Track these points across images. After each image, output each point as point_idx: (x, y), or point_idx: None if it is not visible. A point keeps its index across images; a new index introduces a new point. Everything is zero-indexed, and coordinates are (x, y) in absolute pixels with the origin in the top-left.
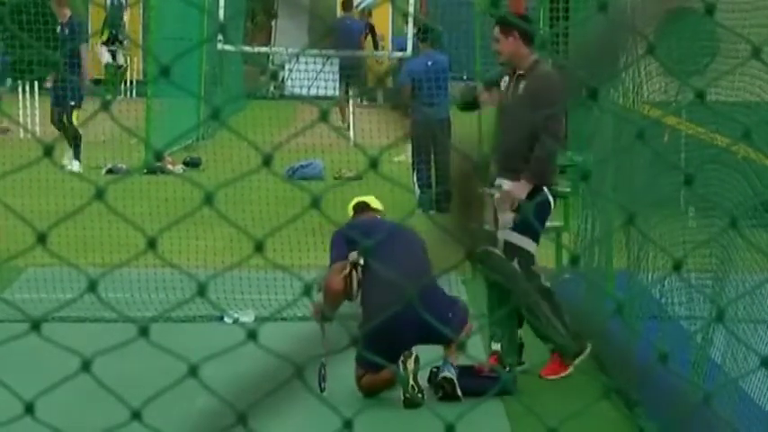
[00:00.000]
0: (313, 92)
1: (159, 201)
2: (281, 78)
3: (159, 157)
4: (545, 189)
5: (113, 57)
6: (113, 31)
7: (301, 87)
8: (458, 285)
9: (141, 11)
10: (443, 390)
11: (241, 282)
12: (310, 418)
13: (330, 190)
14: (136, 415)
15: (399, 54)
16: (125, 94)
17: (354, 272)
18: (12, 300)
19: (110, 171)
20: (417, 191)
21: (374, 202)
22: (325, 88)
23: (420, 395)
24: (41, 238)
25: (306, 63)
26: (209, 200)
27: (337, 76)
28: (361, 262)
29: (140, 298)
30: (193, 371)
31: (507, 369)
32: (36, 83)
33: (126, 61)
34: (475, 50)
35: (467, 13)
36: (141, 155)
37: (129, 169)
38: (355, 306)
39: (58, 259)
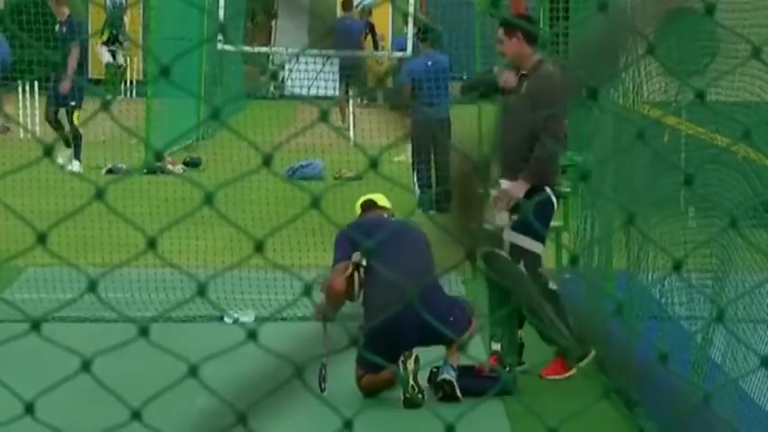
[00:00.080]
0: (313, 92)
1: (159, 201)
2: (281, 78)
3: (159, 157)
4: (547, 189)
5: (113, 56)
6: (113, 32)
7: (301, 87)
8: (458, 285)
9: (141, 11)
10: (443, 391)
11: (241, 282)
12: (310, 418)
13: (330, 190)
14: (136, 415)
15: (399, 54)
16: (125, 94)
17: (357, 273)
18: (12, 300)
19: (110, 171)
20: (417, 191)
21: (381, 200)
22: (325, 88)
23: (420, 395)
24: (41, 238)
25: (306, 63)
26: (209, 200)
27: (337, 76)
28: (364, 263)
29: (140, 298)
30: (193, 371)
31: (507, 369)
32: (36, 83)
33: (126, 61)
34: (475, 50)
35: (467, 13)
36: (141, 155)
37: (129, 169)
38: (357, 306)
39: (58, 259)
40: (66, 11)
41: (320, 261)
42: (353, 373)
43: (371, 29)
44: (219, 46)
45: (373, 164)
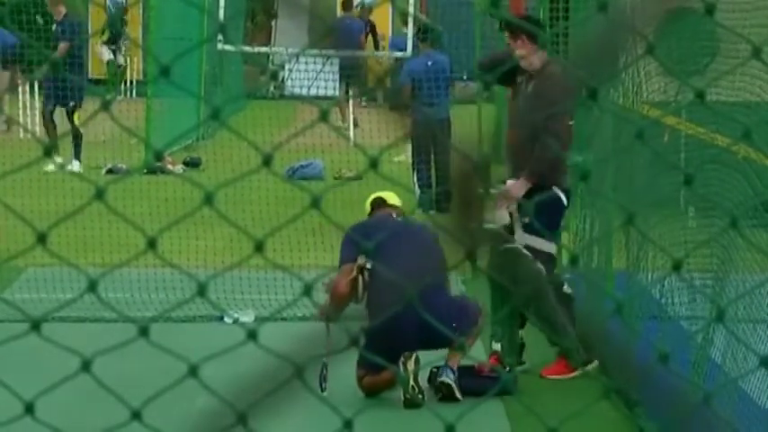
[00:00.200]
0: (313, 92)
1: (159, 201)
2: (281, 78)
3: (159, 157)
4: (554, 188)
5: (114, 55)
6: (113, 32)
7: (301, 87)
8: (458, 285)
9: (141, 11)
10: (442, 393)
11: (241, 282)
12: (310, 418)
13: (330, 190)
14: (136, 415)
15: (399, 54)
16: (125, 94)
17: (361, 276)
18: (12, 300)
19: (110, 171)
20: (417, 191)
21: (392, 198)
22: (325, 88)
23: (420, 396)
24: (41, 238)
25: (306, 63)
26: (209, 200)
27: (337, 76)
28: (369, 266)
29: (140, 298)
30: (193, 371)
31: (507, 369)
32: (36, 83)
33: (125, 61)
34: (475, 50)
35: (467, 13)
36: (141, 155)
37: (129, 169)
38: (361, 308)
39: (58, 259)
40: (63, 10)
41: (320, 261)
42: (354, 373)
43: (373, 29)
44: (219, 46)
45: (373, 164)
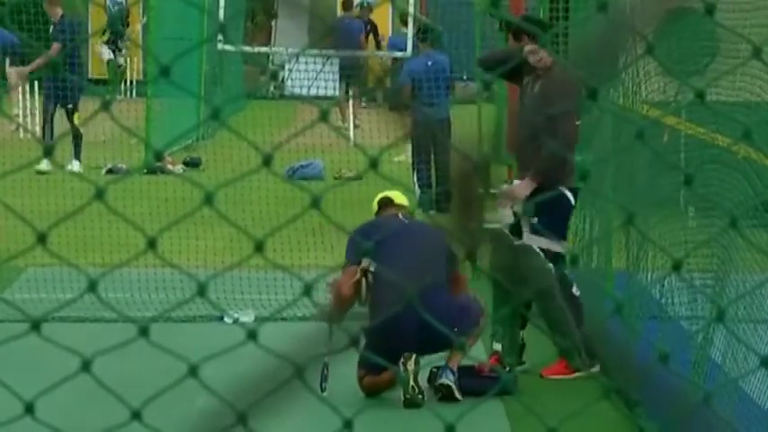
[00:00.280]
0: (313, 92)
1: (159, 201)
2: (281, 78)
3: (159, 157)
4: (562, 188)
5: (114, 54)
6: (114, 32)
7: (301, 87)
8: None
9: (141, 11)
10: (441, 394)
11: (241, 282)
12: (310, 418)
13: (330, 190)
14: (136, 415)
15: (399, 54)
16: (125, 95)
17: (365, 279)
18: (12, 300)
19: (110, 171)
20: (417, 191)
21: (399, 198)
22: (325, 88)
23: (420, 396)
24: (41, 238)
25: (306, 63)
26: (209, 200)
27: (337, 76)
28: (372, 269)
29: (140, 298)
30: (193, 371)
31: (507, 369)
32: (36, 83)
33: (125, 62)
34: (475, 50)
35: (467, 13)
36: (141, 155)
37: (129, 169)
38: (364, 310)
39: (58, 259)
40: (60, 11)
41: (320, 261)
42: (354, 373)
43: (374, 28)
44: (219, 46)
45: (373, 164)
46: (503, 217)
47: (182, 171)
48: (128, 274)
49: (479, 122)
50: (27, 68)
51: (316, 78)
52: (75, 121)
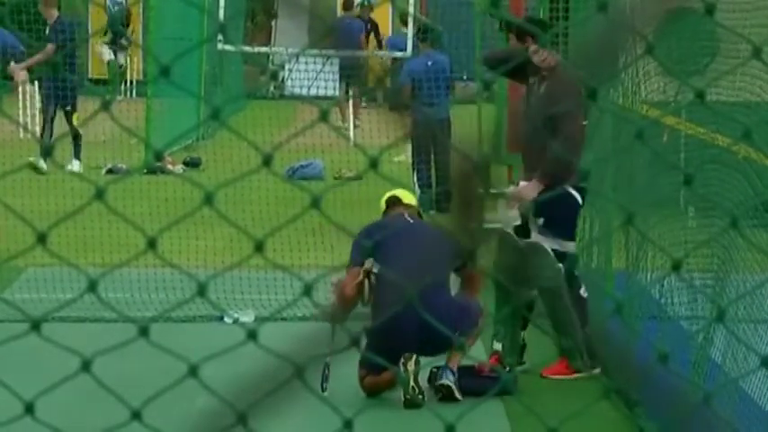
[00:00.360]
0: (313, 92)
1: (159, 201)
2: (281, 78)
3: (159, 157)
4: (568, 188)
5: (114, 55)
6: (115, 32)
7: (301, 87)
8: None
9: (141, 11)
10: (442, 394)
11: (241, 282)
12: (311, 417)
13: (330, 190)
14: (136, 415)
15: (399, 54)
16: (125, 95)
17: (367, 280)
18: (12, 300)
19: (110, 171)
20: (417, 191)
21: (406, 197)
22: (325, 88)
23: (420, 396)
24: (41, 238)
25: (306, 63)
26: (209, 200)
27: (337, 76)
28: (375, 270)
29: (140, 298)
30: (193, 371)
31: (507, 369)
32: (36, 83)
33: (126, 61)
34: (475, 50)
35: (467, 13)
36: (141, 155)
37: (129, 169)
38: (367, 311)
39: (58, 259)
40: (55, 13)
41: (320, 261)
42: (355, 373)
43: (375, 28)
44: (219, 46)
45: (373, 164)
46: (510, 219)
47: (182, 171)
48: (128, 274)
49: (479, 122)
50: (24, 64)
51: (316, 78)
52: (74, 122)
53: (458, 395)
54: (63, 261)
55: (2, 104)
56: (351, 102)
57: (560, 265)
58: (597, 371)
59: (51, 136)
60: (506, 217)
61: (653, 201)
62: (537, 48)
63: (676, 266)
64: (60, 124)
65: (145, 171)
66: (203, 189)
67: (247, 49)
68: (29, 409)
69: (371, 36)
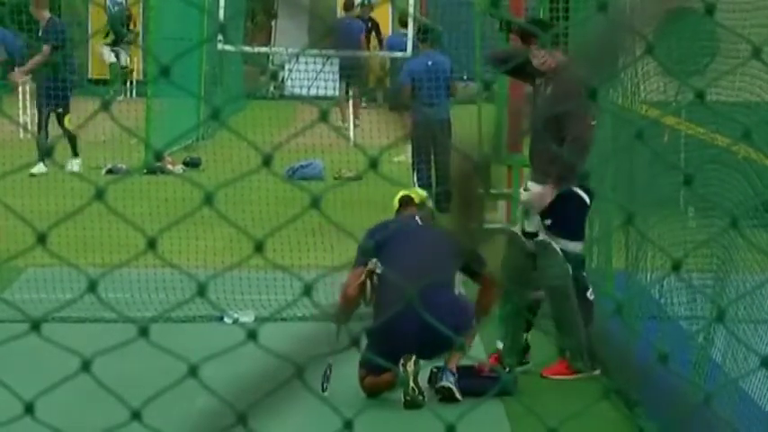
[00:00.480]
0: (313, 92)
1: (159, 201)
2: (281, 78)
3: (159, 157)
4: (576, 189)
5: (117, 57)
6: (116, 33)
7: (301, 87)
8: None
9: (141, 11)
10: (442, 395)
11: (241, 282)
12: (311, 417)
13: (330, 190)
14: (136, 415)
15: (399, 54)
16: (125, 95)
17: (370, 280)
18: (12, 300)
19: (110, 171)
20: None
21: (420, 197)
22: (325, 88)
23: (421, 396)
24: (41, 239)
25: (306, 63)
26: (209, 200)
27: (337, 77)
28: (378, 270)
29: (140, 298)
30: (193, 371)
31: (507, 369)
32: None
33: (128, 62)
34: (475, 50)
35: (467, 13)
36: (141, 155)
37: (129, 169)
38: (369, 311)
39: (58, 259)
40: (47, 14)
41: (320, 261)
42: (356, 373)
43: (376, 27)
44: (219, 46)
45: (373, 164)
46: (534, 226)
47: (182, 171)
48: (128, 275)
49: (479, 123)
50: (24, 68)
51: (316, 78)
52: (66, 125)
53: (458, 396)
54: (63, 261)
55: (2, 104)
56: (351, 102)
57: (568, 265)
58: (597, 372)
59: (47, 137)
60: (531, 223)
61: (653, 201)
62: (541, 51)
63: (676, 266)
64: (54, 126)
65: (145, 171)
66: (203, 189)
67: (247, 49)
68: (29, 409)
69: (372, 36)
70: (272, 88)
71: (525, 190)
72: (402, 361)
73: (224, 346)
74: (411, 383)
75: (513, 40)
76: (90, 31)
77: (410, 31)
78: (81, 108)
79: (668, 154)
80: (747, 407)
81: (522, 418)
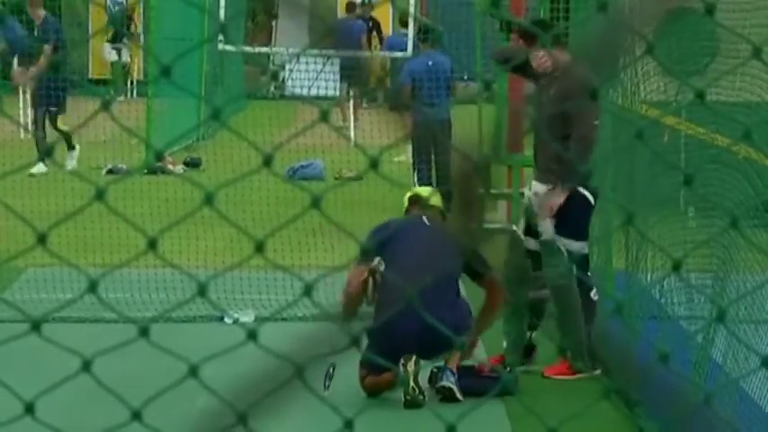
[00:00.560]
0: (313, 92)
1: (160, 201)
2: (281, 78)
3: (159, 157)
4: (581, 189)
5: (119, 55)
6: (118, 32)
7: (302, 87)
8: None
9: (141, 11)
10: (442, 395)
11: (241, 282)
12: (311, 417)
13: (330, 190)
14: (136, 415)
15: (399, 54)
16: (125, 95)
17: (372, 279)
18: (12, 300)
19: (110, 171)
20: None
21: (433, 198)
22: (326, 88)
23: (421, 396)
24: (41, 239)
25: (306, 63)
26: (209, 200)
27: (338, 77)
28: (381, 269)
29: (141, 298)
30: (193, 371)
31: (508, 369)
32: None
33: (129, 60)
34: (475, 50)
35: (467, 13)
36: (142, 155)
37: (129, 169)
38: (371, 310)
39: (58, 259)
40: (42, 13)
41: (320, 261)
42: (356, 372)
43: (377, 27)
44: (220, 46)
45: (373, 164)
46: (546, 229)
47: (182, 171)
48: (128, 275)
49: (480, 123)
50: (31, 73)
51: (316, 78)
52: (59, 125)
53: (459, 396)
54: (63, 261)
55: (2, 104)
56: (351, 102)
57: (573, 265)
58: (598, 371)
59: (45, 137)
60: (546, 228)
61: (653, 201)
62: (540, 51)
63: (676, 267)
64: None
65: (145, 171)
66: (204, 189)
67: (248, 49)
68: (29, 409)
69: (373, 35)
70: (272, 88)
71: (531, 191)
72: (402, 361)
73: (224, 346)
74: (411, 383)
75: (513, 40)
76: (90, 31)
77: (410, 31)
78: (81, 108)
79: (668, 154)
80: (748, 407)
81: (522, 418)
